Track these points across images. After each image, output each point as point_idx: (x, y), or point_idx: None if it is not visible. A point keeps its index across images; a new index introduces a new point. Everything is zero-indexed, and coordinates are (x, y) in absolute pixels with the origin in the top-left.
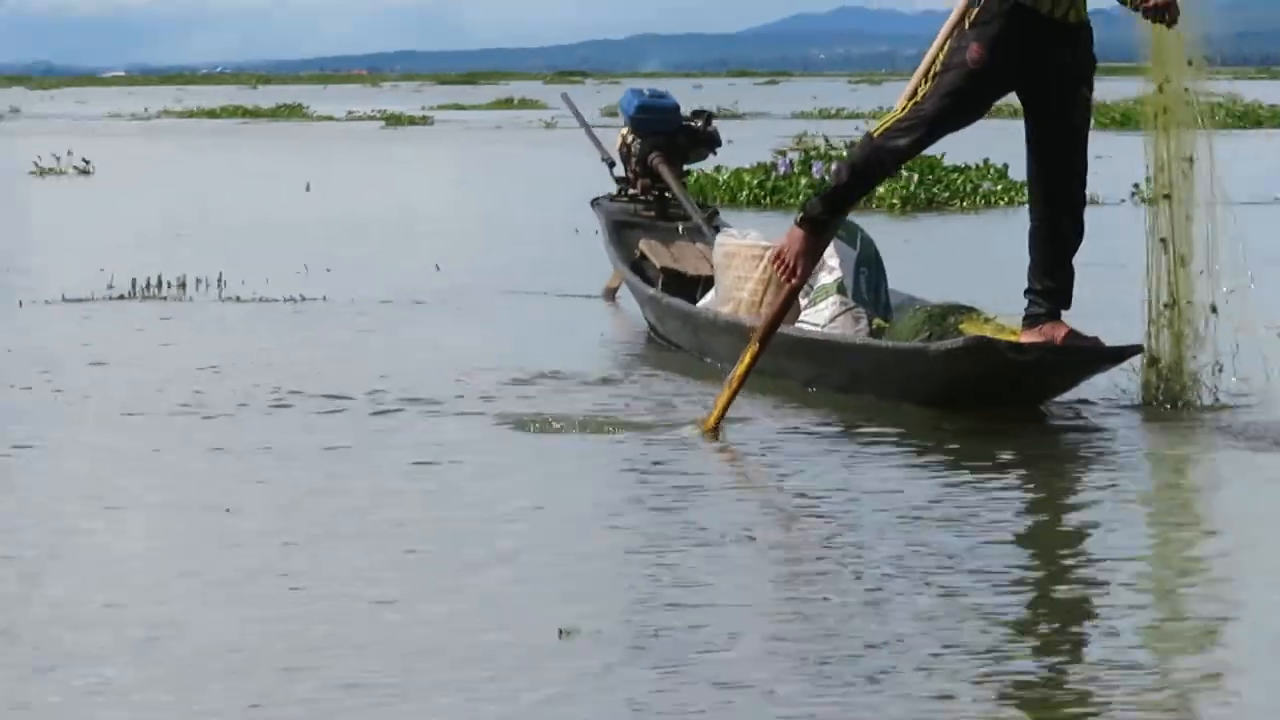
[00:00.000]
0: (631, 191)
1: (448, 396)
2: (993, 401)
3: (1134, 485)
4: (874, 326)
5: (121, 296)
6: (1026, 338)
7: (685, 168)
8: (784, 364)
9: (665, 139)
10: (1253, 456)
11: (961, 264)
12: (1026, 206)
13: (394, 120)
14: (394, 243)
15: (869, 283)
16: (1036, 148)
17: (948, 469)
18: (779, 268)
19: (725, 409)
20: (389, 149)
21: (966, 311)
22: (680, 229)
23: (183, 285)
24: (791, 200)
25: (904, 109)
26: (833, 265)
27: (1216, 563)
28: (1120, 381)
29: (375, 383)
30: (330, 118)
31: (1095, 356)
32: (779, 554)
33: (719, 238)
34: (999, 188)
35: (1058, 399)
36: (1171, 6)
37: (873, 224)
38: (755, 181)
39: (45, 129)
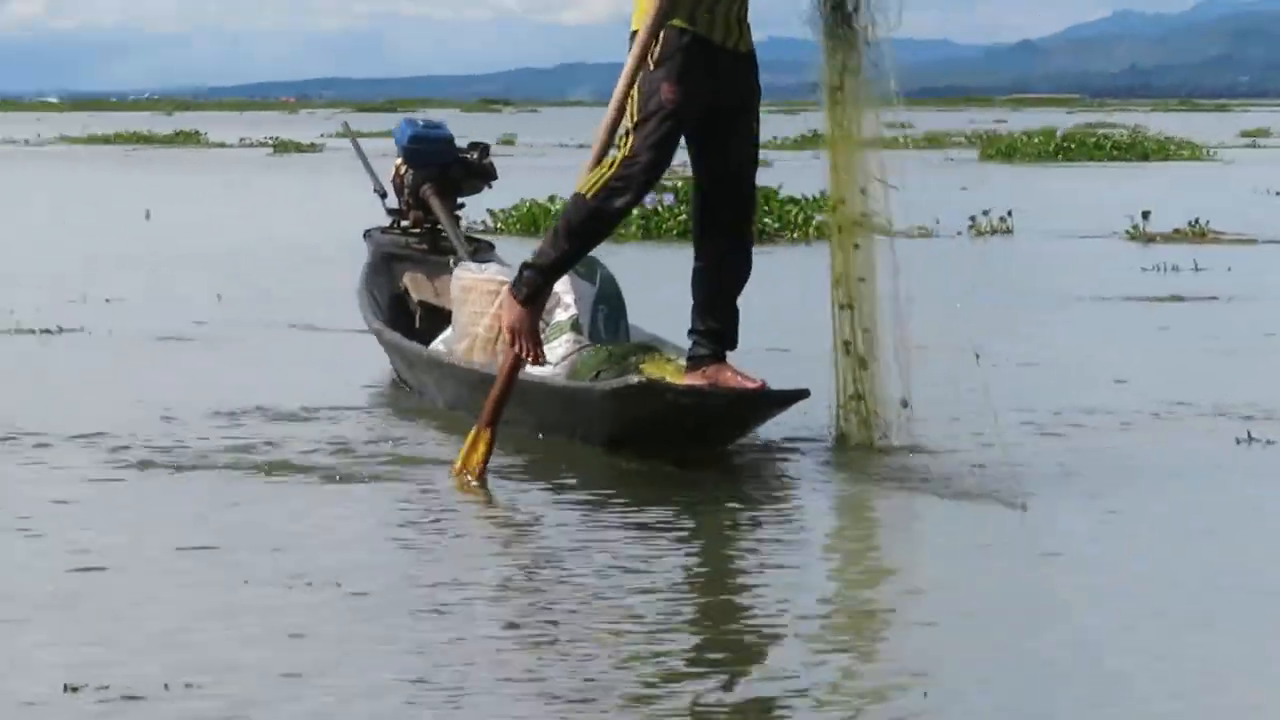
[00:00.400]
0: (404, 224)
1: (127, 433)
2: (664, 445)
3: (806, 529)
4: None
5: None
6: (689, 380)
7: (460, 200)
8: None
9: (439, 170)
10: (921, 500)
11: (767, 298)
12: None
13: (282, 147)
14: (197, 271)
15: (607, 320)
16: (703, 181)
17: (618, 514)
18: (512, 344)
19: (479, 455)
20: (260, 176)
21: (650, 351)
22: (451, 263)
23: None
24: (669, 230)
25: (615, 165)
26: (568, 302)
27: (897, 606)
28: (814, 425)
29: (57, 418)
30: (223, 144)
31: (760, 401)
32: (365, 600)
33: (457, 271)
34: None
35: (744, 441)
36: None
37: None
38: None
39: None
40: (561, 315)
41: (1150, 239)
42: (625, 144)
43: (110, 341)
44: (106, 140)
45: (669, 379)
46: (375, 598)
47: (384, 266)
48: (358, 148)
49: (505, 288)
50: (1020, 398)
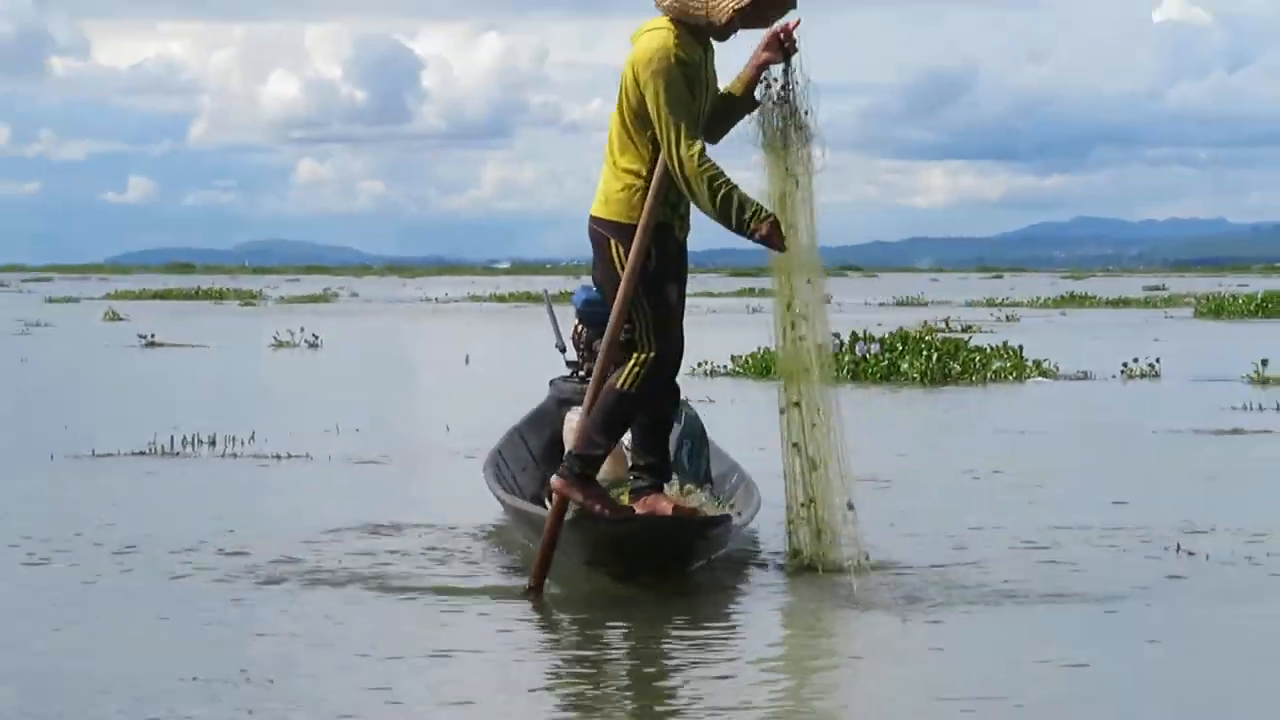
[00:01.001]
0: (580, 373)
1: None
2: (627, 567)
3: (757, 643)
4: (684, 491)
5: (142, 453)
6: (635, 508)
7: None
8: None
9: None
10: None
11: (922, 432)
12: (1025, 380)
13: None
14: (464, 406)
15: (690, 454)
16: None
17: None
18: (591, 512)
19: (540, 572)
20: None
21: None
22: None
23: (212, 442)
24: (837, 374)
25: (644, 363)
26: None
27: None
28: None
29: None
30: None
31: (687, 527)
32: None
33: (569, 413)
34: (1008, 365)
35: (704, 565)
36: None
37: (896, 394)
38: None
39: (358, 309)
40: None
41: (1265, 381)
42: (649, 343)
43: (312, 465)
44: (500, 299)
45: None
46: None
47: (555, 410)
48: (550, 311)
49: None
50: (1001, 513)
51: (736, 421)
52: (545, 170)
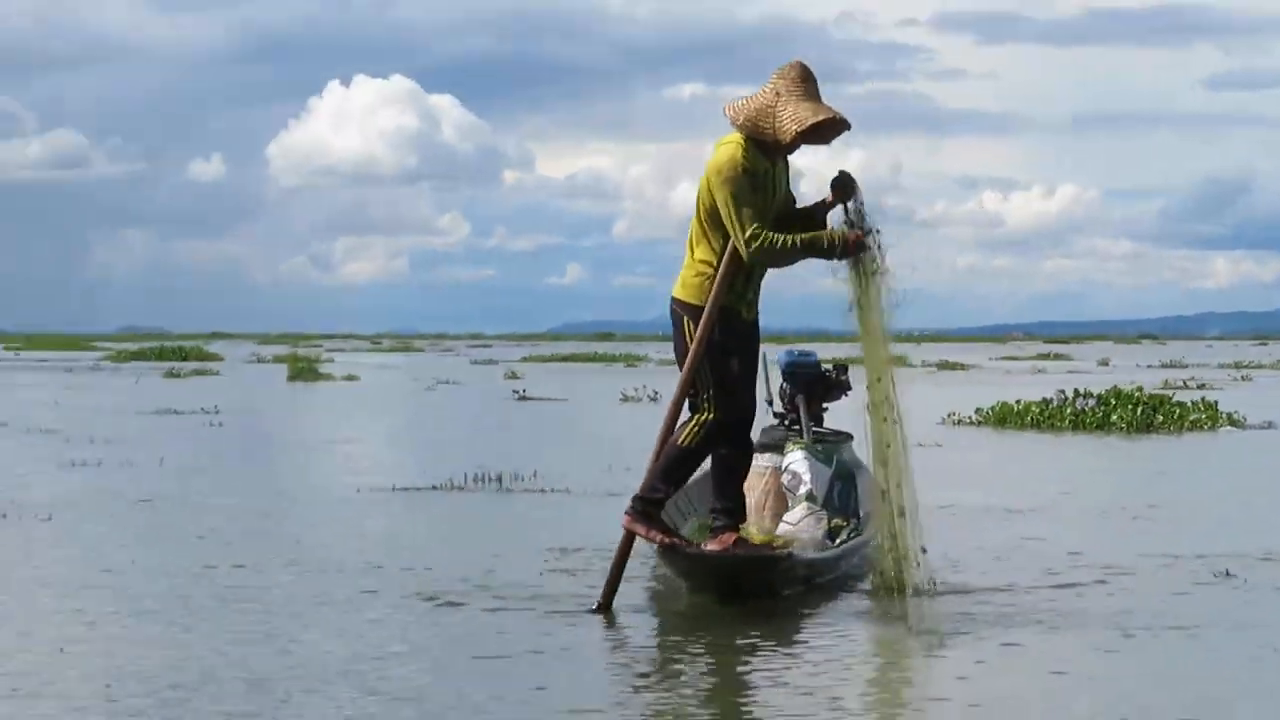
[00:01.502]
0: (785, 423)
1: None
2: (719, 595)
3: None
4: (832, 526)
5: (435, 488)
6: (709, 546)
7: (824, 405)
8: None
9: (806, 385)
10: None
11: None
12: (1218, 429)
13: (946, 366)
14: None
15: (841, 493)
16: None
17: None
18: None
19: (608, 592)
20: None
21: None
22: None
23: (499, 479)
24: (1059, 424)
25: (703, 424)
26: (806, 479)
27: None
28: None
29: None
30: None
31: (753, 563)
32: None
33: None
34: (1204, 417)
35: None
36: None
37: (1102, 440)
38: (1036, 409)
39: None
40: (801, 489)
41: None
42: (710, 406)
43: (563, 498)
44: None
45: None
46: None
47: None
48: (765, 371)
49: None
50: (1108, 542)
51: (959, 463)
52: (900, 258)
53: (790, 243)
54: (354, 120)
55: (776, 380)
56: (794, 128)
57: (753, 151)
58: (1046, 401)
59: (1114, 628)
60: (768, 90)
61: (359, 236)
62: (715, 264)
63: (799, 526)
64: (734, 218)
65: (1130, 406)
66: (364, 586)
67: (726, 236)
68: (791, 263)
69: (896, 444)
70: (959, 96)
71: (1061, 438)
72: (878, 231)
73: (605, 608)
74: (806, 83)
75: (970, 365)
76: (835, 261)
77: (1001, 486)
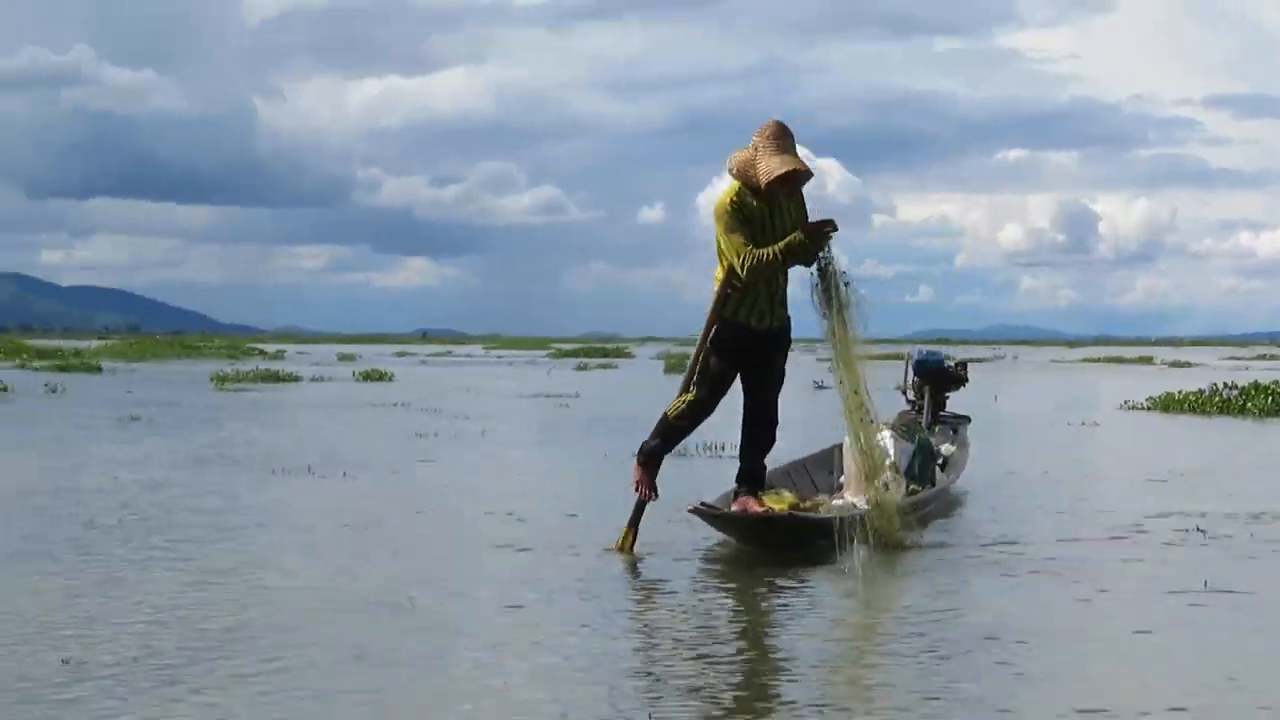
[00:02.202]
0: (915, 407)
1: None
2: (756, 548)
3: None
4: (909, 489)
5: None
6: (734, 508)
7: (945, 394)
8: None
9: (931, 378)
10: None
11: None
12: None
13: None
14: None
15: (921, 465)
16: (749, 392)
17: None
18: (637, 488)
19: (629, 536)
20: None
21: (775, 490)
22: (936, 429)
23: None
24: (1209, 409)
25: (686, 403)
26: (892, 454)
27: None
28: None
29: None
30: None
31: (765, 523)
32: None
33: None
34: None
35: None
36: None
37: (1236, 422)
38: (1191, 397)
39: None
40: (888, 461)
41: None
42: (694, 391)
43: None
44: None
45: (770, 506)
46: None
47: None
48: (906, 367)
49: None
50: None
51: (1120, 443)
52: (1176, 282)
53: (771, 254)
54: None
55: (910, 374)
56: (765, 179)
57: (744, 195)
58: (1200, 391)
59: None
60: (752, 145)
61: None
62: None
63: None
64: (728, 246)
65: (1263, 396)
66: None
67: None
68: (782, 269)
69: (865, 425)
70: (1223, 158)
71: (1210, 420)
72: (844, 273)
73: (623, 549)
74: (780, 139)
75: (1198, 364)
76: (811, 278)
77: (1127, 456)
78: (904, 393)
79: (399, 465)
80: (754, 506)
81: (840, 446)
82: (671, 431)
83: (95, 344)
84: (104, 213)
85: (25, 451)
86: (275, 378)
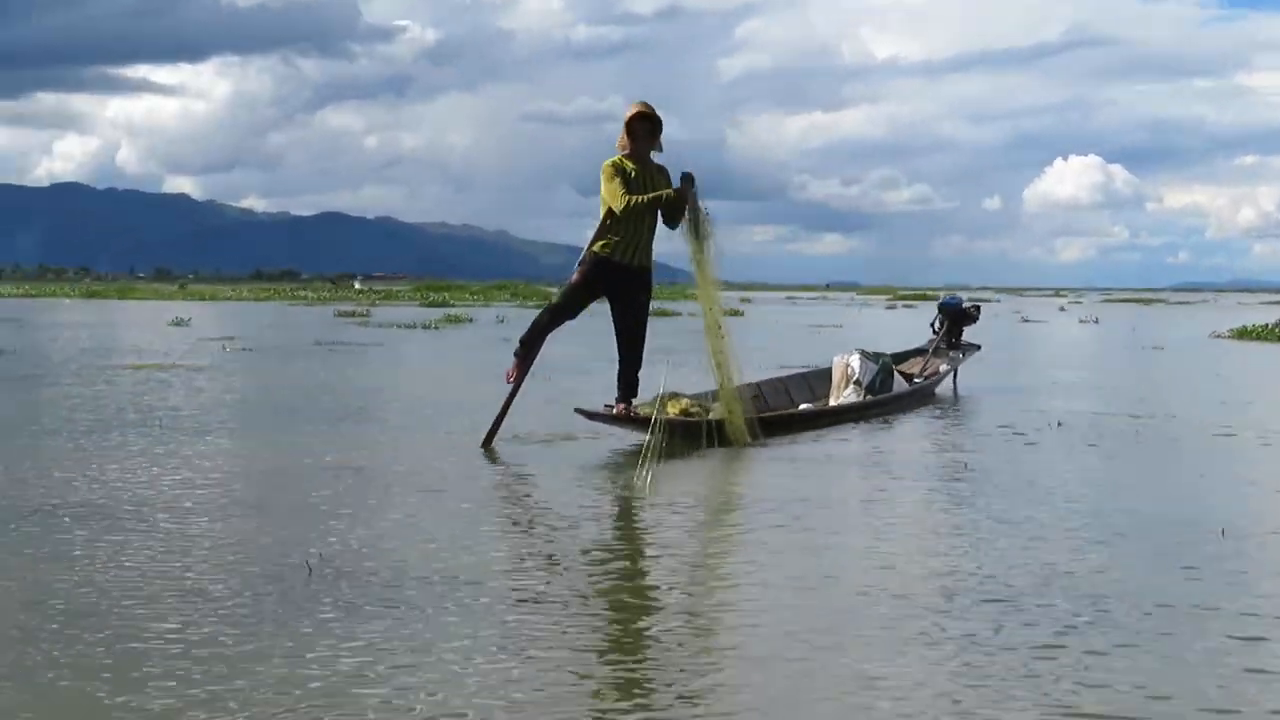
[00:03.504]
0: (935, 339)
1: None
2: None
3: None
4: (865, 400)
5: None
6: (615, 409)
7: (962, 328)
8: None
9: (950, 315)
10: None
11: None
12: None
13: None
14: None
15: (883, 383)
16: (621, 322)
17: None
18: (508, 375)
19: (492, 431)
20: None
21: (675, 395)
22: (950, 355)
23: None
24: (1272, 338)
25: (547, 308)
26: (857, 370)
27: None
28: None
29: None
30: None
31: (613, 418)
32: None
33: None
34: None
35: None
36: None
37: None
38: (1260, 329)
39: None
40: (853, 378)
41: None
42: (556, 300)
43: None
44: None
45: (683, 408)
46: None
47: (917, 353)
48: (938, 308)
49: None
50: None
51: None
52: None
53: (644, 199)
54: None
55: (934, 313)
56: (621, 134)
57: (622, 161)
58: (1266, 324)
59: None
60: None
61: None
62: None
63: (846, 397)
64: (608, 192)
65: None
66: None
67: (608, 213)
68: (652, 212)
69: (726, 352)
70: None
71: (1264, 346)
72: (707, 212)
73: (486, 445)
74: (634, 104)
75: None
76: (679, 227)
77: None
78: (932, 325)
79: None
80: (622, 410)
81: (832, 364)
82: (536, 327)
83: None
84: None
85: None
86: (664, 314)
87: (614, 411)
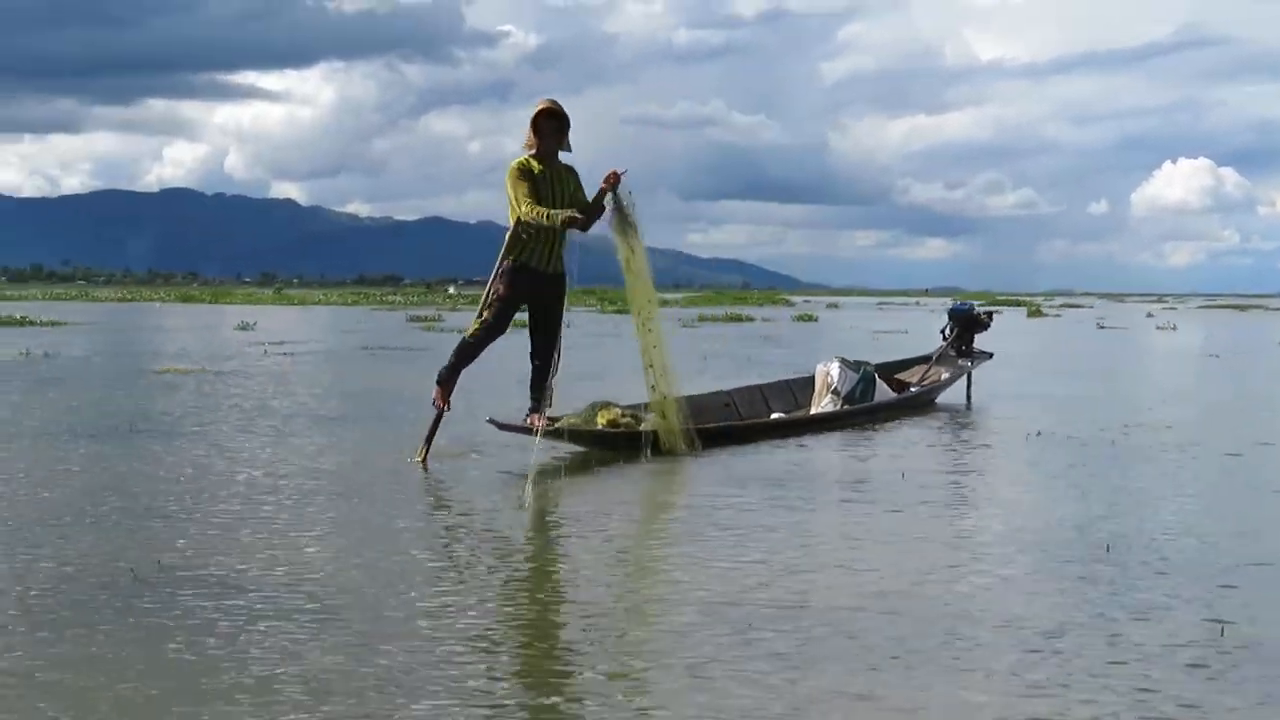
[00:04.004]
0: (945, 344)
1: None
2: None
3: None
4: (842, 409)
5: None
6: (526, 421)
7: (974, 335)
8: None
9: (960, 322)
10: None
11: None
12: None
13: None
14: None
15: (863, 392)
16: (534, 330)
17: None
18: (435, 402)
19: (425, 446)
20: None
21: (606, 405)
22: (956, 363)
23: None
24: None
25: (478, 326)
26: (836, 379)
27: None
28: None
29: None
30: None
31: (528, 431)
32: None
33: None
34: None
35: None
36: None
37: None
38: None
39: None
40: (832, 387)
41: None
42: (485, 316)
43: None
44: None
45: (611, 419)
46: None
47: (921, 361)
48: (948, 314)
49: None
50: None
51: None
52: None
53: (550, 216)
54: None
55: (944, 320)
56: (528, 131)
57: (528, 161)
58: None
59: None
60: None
61: None
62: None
63: (823, 407)
64: (515, 201)
65: None
66: None
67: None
68: (549, 226)
69: (659, 353)
70: None
71: None
72: (633, 205)
73: (423, 462)
74: (541, 101)
75: None
76: (609, 229)
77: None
78: (942, 332)
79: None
80: (536, 421)
81: (815, 371)
82: (466, 349)
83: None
84: (729, 210)
85: None
86: (738, 319)
87: (528, 422)
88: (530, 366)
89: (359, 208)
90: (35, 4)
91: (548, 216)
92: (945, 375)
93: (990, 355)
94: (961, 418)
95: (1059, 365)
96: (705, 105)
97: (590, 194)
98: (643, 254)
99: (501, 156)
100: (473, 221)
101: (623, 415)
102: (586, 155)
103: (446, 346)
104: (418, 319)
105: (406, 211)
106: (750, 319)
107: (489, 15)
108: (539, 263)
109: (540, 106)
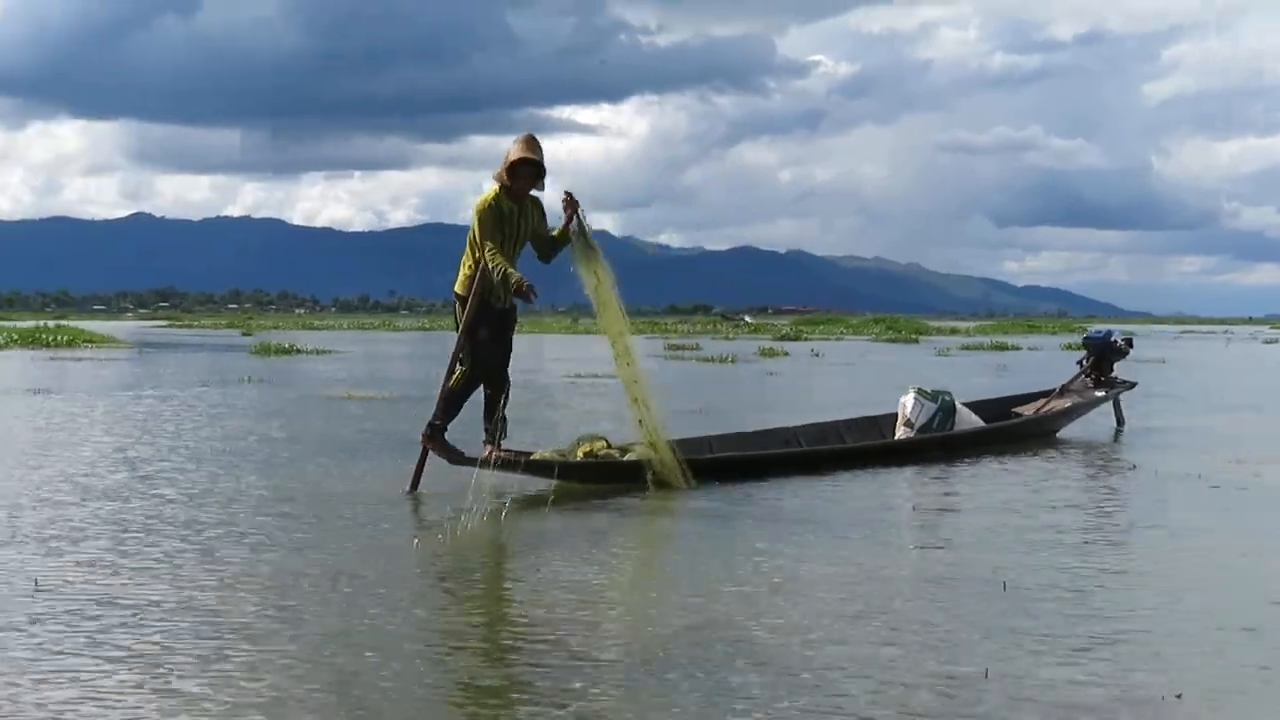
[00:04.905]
0: (1083, 375)
1: None
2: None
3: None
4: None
5: None
6: (487, 453)
7: (1113, 363)
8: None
9: (1097, 350)
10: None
11: None
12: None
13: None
14: None
15: (941, 422)
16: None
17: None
18: (424, 441)
19: (414, 482)
20: None
21: (592, 437)
22: (1084, 393)
23: None
24: None
25: (463, 377)
26: (911, 410)
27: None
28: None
29: None
30: None
31: (505, 464)
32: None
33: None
34: None
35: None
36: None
37: None
38: None
39: None
40: (906, 419)
41: None
42: (468, 364)
43: None
44: None
45: (589, 449)
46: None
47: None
48: (1081, 362)
49: (424, 435)
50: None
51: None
52: None
53: (498, 267)
54: None
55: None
56: (506, 163)
57: (501, 198)
58: None
59: None
60: (508, 151)
61: None
62: (475, 270)
63: (900, 436)
64: (480, 240)
65: None
66: None
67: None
68: (515, 255)
69: (640, 383)
70: None
71: None
72: (587, 229)
73: (411, 491)
74: (525, 141)
75: None
76: (572, 264)
77: None
78: (1079, 362)
79: None
80: (494, 453)
81: (899, 404)
82: (454, 399)
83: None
84: (1046, 236)
85: None
86: (1002, 347)
87: (486, 455)
88: (482, 396)
89: (670, 237)
90: (363, 46)
91: (501, 274)
92: (1064, 405)
93: (1133, 385)
94: (1070, 449)
95: (1223, 402)
96: (1021, 130)
97: (554, 224)
98: (608, 280)
99: (811, 185)
100: (782, 250)
101: (604, 448)
102: (899, 182)
103: (667, 373)
104: (675, 347)
105: (717, 241)
106: (1016, 347)
107: (800, 45)
108: (500, 300)
109: (520, 155)
